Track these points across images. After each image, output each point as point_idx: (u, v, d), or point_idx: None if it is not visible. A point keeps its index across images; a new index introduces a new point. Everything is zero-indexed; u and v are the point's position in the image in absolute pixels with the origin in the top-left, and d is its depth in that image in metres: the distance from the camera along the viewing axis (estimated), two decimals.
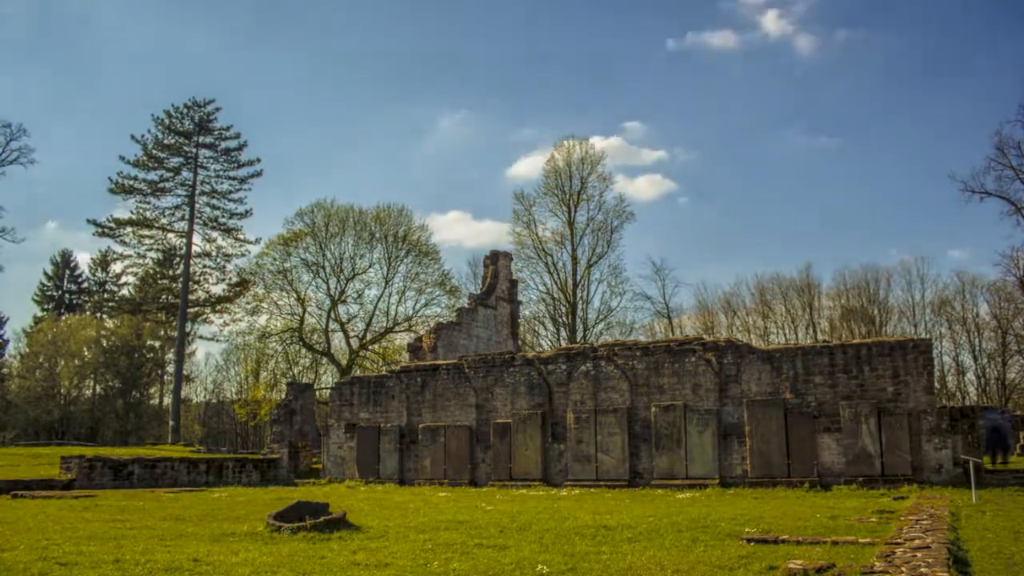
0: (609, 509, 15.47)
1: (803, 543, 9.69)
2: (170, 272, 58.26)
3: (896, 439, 21.82)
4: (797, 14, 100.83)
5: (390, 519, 13.66)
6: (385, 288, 52.71)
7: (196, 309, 55.54)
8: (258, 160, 54.03)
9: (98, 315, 67.22)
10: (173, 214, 52.85)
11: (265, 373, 56.36)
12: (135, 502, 18.09)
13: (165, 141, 52.51)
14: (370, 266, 52.78)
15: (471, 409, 27.67)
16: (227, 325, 54.14)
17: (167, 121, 52.56)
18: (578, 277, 55.12)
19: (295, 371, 55.68)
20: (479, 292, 42.37)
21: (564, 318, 55.84)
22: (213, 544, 10.24)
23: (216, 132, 53.21)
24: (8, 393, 58.02)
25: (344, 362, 51.71)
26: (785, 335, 57.59)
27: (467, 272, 60.75)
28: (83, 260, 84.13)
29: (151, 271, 57.73)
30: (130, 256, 53.84)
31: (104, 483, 24.77)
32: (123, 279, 67.97)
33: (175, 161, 52.71)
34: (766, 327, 59.20)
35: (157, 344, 64.86)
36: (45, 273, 71.40)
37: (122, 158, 52.15)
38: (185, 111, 52.92)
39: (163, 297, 58.16)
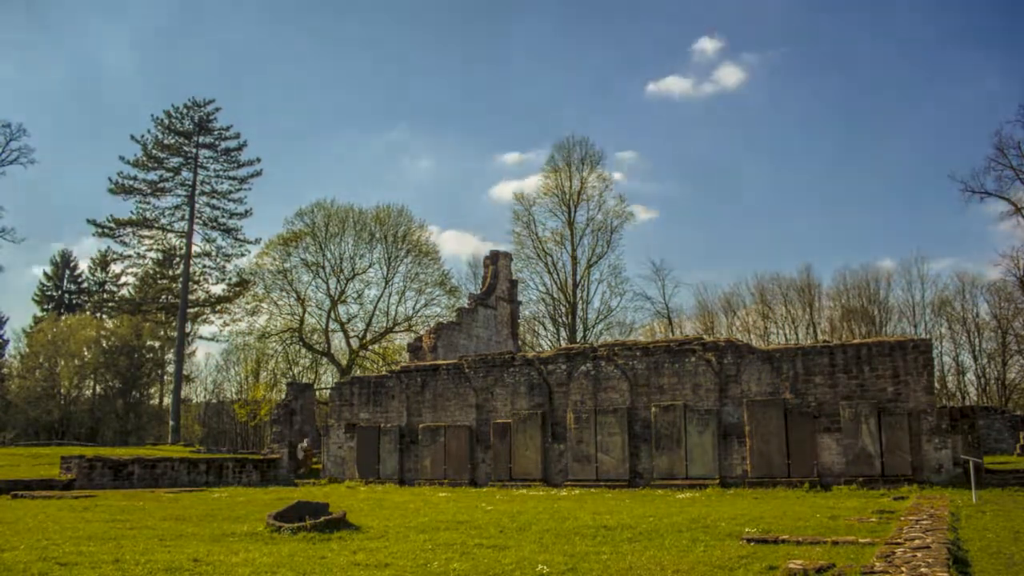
0: (609, 509, 15.47)
1: (803, 543, 9.69)
2: (170, 272, 58.27)
3: (896, 439, 21.82)
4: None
5: (390, 519, 13.66)
6: (385, 288, 52.79)
7: (196, 309, 55.56)
8: (258, 160, 54.11)
9: (98, 315, 67.22)
10: (173, 214, 52.91)
11: (265, 373, 56.43)
12: (135, 502, 18.09)
13: (165, 141, 52.53)
14: (370, 266, 52.87)
15: (471, 409, 27.67)
16: (227, 325, 54.23)
17: (167, 121, 52.58)
18: (578, 277, 55.18)
19: (295, 371, 55.70)
20: (479, 292, 42.38)
21: (564, 318, 55.88)
22: (213, 544, 10.24)
23: (216, 132, 53.23)
24: (8, 393, 58.01)
25: (344, 362, 51.72)
26: (785, 335, 57.62)
27: (467, 272, 60.83)
28: (82, 258, 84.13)
29: (151, 271, 57.74)
30: (130, 256, 53.88)
31: (104, 483, 24.77)
32: (123, 279, 68.06)
33: (175, 161, 52.73)
34: (766, 327, 59.23)
35: (157, 344, 64.84)
36: (45, 273, 71.44)
37: (122, 158, 52.21)
38: (185, 111, 52.95)
39: (163, 297, 58.19)
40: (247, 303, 52.61)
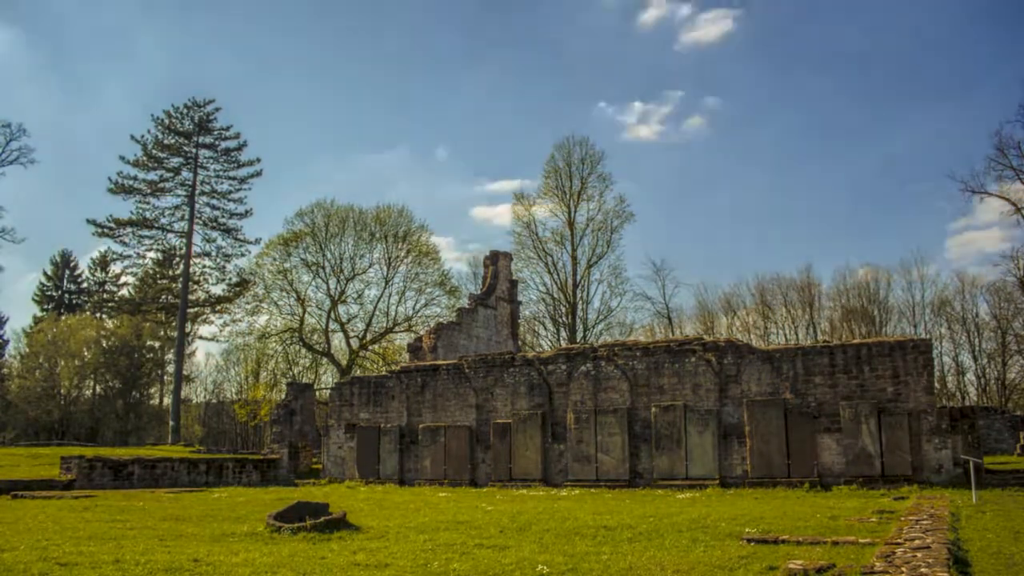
0: (609, 509, 15.47)
1: (803, 543, 9.69)
2: (170, 272, 58.26)
3: (896, 439, 21.82)
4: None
5: (390, 519, 13.66)
6: (385, 288, 52.79)
7: (196, 309, 55.54)
8: (258, 160, 54.08)
9: (98, 315, 67.21)
10: (173, 214, 52.86)
11: (265, 373, 56.41)
12: (135, 502, 18.09)
13: (165, 141, 52.50)
14: (370, 266, 52.87)
15: (471, 409, 27.67)
16: (227, 325, 54.19)
17: (167, 121, 52.55)
18: (578, 277, 55.17)
19: (295, 371, 55.69)
20: (479, 292, 42.38)
21: (564, 318, 55.87)
22: (213, 544, 10.24)
23: (216, 132, 53.20)
24: (8, 393, 58.00)
25: (344, 362, 51.71)
26: (785, 335, 57.62)
27: (467, 272, 60.82)
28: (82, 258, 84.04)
29: (151, 271, 57.73)
30: (130, 256, 53.86)
31: (104, 483, 24.77)
32: (123, 279, 68.05)
33: (175, 161, 52.70)
34: (766, 327, 59.23)
35: (157, 344, 64.82)
36: (45, 273, 71.42)
37: (122, 158, 52.19)
38: (185, 111, 52.92)
39: (163, 297, 58.17)
40: (247, 303, 52.64)
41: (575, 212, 55.08)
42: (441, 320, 44.02)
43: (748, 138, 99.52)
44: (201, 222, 52.94)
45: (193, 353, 68.91)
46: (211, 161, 53.32)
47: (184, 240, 52.52)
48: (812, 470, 22.42)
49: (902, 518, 12.19)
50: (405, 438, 28.46)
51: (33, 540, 10.53)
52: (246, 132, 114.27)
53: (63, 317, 63.86)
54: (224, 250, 53.59)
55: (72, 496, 20.18)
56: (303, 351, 54.45)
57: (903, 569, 6.92)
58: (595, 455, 25.00)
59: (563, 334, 55.31)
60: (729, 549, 9.34)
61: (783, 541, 9.84)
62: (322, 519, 11.54)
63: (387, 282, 52.67)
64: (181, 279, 52.80)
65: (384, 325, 53.03)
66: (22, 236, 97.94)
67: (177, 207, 52.76)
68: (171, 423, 49.69)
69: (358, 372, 48.94)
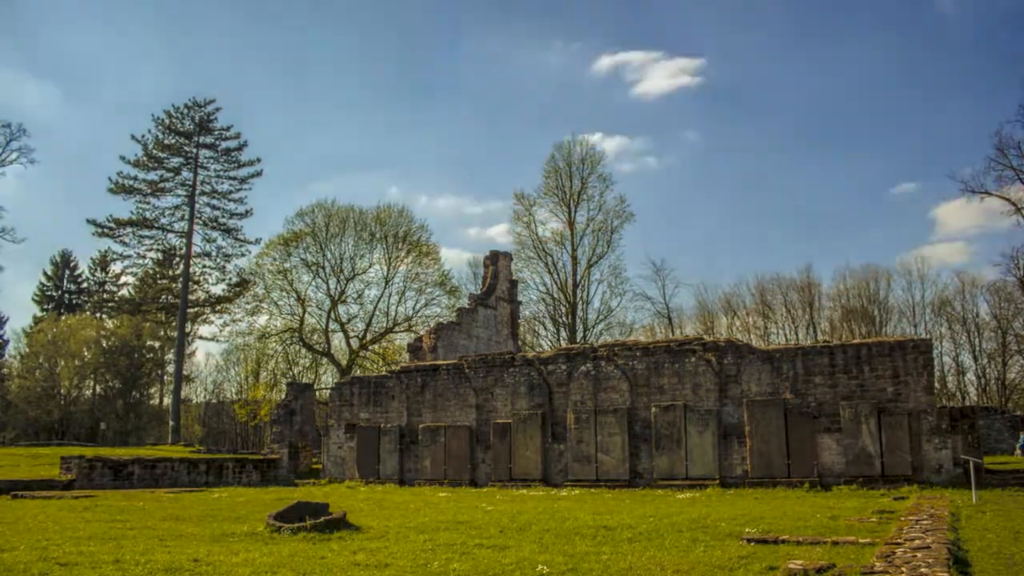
0: (609, 509, 15.47)
1: (803, 543, 9.69)
2: (170, 272, 58.24)
3: (896, 439, 21.82)
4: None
5: (390, 519, 13.66)
6: (385, 288, 52.80)
7: (196, 309, 55.53)
8: (258, 160, 54.09)
9: (98, 315, 67.21)
10: (173, 214, 52.87)
11: (265, 373, 56.42)
12: (135, 502, 18.09)
13: (165, 141, 52.50)
14: (370, 266, 52.88)
15: (471, 409, 27.67)
16: (227, 325, 54.20)
17: (167, 121, 52.56)
18: (578, 277, 55.18)
19: (295, 371, 55.70)
20: (479, 292, 42.37)
21: (564, 318, 55.88)
22: (213, 544, 10.24)
23: (216, 132, 53.20)
24: (8, 393, 58.00)
25: (344, 362, 51.72)
26: (785, 335, 57.63)
27: (467, 272, 60.82)
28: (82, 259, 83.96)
29: (151, 271, 57.71)
30: (130, 256, 53.86)
31: (104, 483, 24.77)
32: (123, 279, 68.03)
33: (175, 161, 52.70)
34: (766, 327, 59.24)
35: (157, 344, 64.82)
36: (45, 273, 71.42)
37: (122, 158, 52.20)
38: (185, 111, 52.92)
39: (163, 297, 58.15)
40: (247, 303, 52.65)
41: (575, 212, 55.14)
42: (441, 320, 44.03)
43: (748, 138, 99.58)
44: (201, 222, 52.96)
45: (193, 353, 68.98)
46: (211, 161, 53.34)
47: (184, 240, 52.53)
48: (812, 470, 22.42)
49: (902, 518, 12.19)
50: (405, 438, 28.46)
51: (33, 540, 10.53)
52: (246, 132, 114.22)
53: (63, 317, 63.86)
54: (224, 250, 53.63)
55: (72, 496, 20.18)
56: (303, 351, 54.48)
57: (903, 569, 6.92)
58: (595, 455, 25.00)
59: (563, 334, 55.32)
60: (729, 549, 9.34)
61: (783, 541, 9.84)
62: (322, 519, 11.54)
63: (387, 282, 52.72)
64: (181, 279, 52.80)
65: (384, 325, 53.05)
66: (22, 236, 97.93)
67: (177, 207, 52.78)
68: (171, 423, 49.70)
69: (358, 372, 48.95)
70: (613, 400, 25.41)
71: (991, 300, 53.81)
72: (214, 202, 53.39)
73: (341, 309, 52.88)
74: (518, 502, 18.13)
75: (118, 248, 53.48)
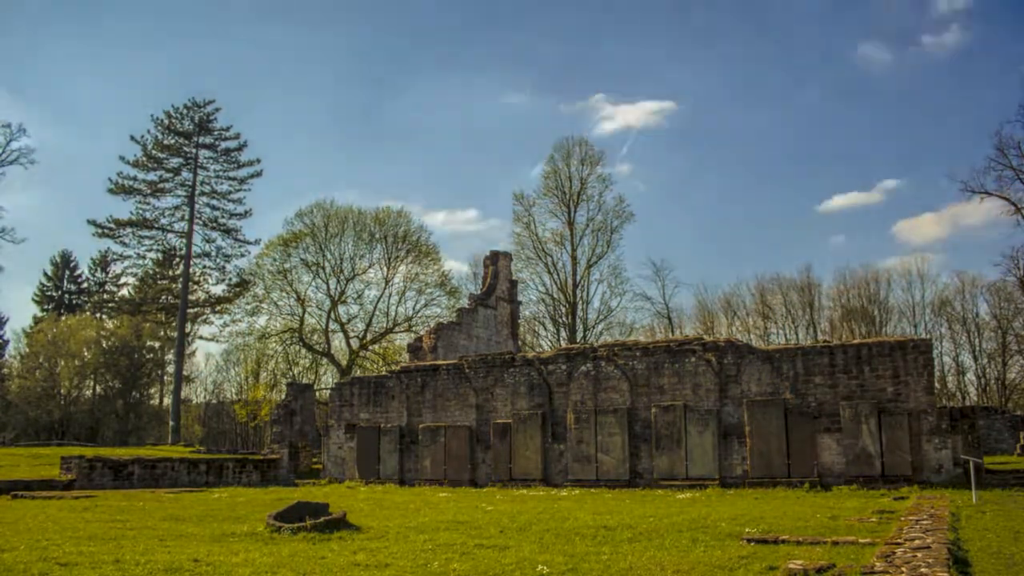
0: (609, 509, 15.47)
1: (803, 543, 9.69)
2: (170, 272, 58.25)
3: (896, 439, 21.82)
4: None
5: (390, 519, 13.66)
6: (385, 288, 52.83)
7: (196, 309, 55.55)
8: (258, 160, 54.09)
9: (98, 315, 67.19)
10: (173, 214, 52.87)
11: (265, 373, 56.46)
12: (135, 502, 18.09)
13: (165, 141, 52.50)
14: (370, 266, 52.91)
15: (471, 409, 27.67)
16: (227, 326, 54.23)
17: (167, 121, 52.56)
18: (578, 277, 55.21)
19: (295, 371, 55.72)
20: (479, 292, 42.38)
21: (564, 318, 55.90)
22: (213, 544, 10.24)
23: (216, 132, 53.20)
24: (8, 393, 57.99)
25: (344, 362, 51.73)
26: (785, 335, 57.64)
27: (467, 272, 60.86)
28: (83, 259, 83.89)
29: (151, 271, 57.72)
30: (130, 256, 53.87)
31: (104, 483, 24.76)
32: (123, 279, 68.06)
33: (175, 161, 52.70)
34: (766, 327, 59.26)
35: (157, 344, 64.82)
36: (45, 273, 71.41)
37: (122, 158, 52.20)
38: (185, 111, 52.92)
39: (163, 297, 58.16)
40: (247, 303, 52.67)
41: (575, 212, 55.17)
42: (441, 320, 44.03)
43: (746, 139, 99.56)
44: (201, 222, 52.97)
45: (193, 353, 68.96)
46: (211, 161, 53.34)
47: (184, 240, 52.54)
48: (812, 470, 22.42)
49: (902, 518, 12.20)
50: (405, 438, 28.46)
51: (33, 540, 10.53)
52: (246, 132, 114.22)
53: (63, 317, 63.84)
54: (224, 250, 53.63)
55: (72, 496, 20.18)
56: (303, 351, 54.51)
57: (903, 569, 6.92)
58: (595, 455, 25.00)
59: (563, 334, 55.34)
60: (729, 549, 9.34)
61: (783, 541, 9.84)
62: (322, 519, 11.53)
63: (387, 282, 52.74)
64: (181, 279, 52.80)
65: (384, 325, 53.08)
66: (22, 236, 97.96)
67: (177, 207, 52.79)
68: (171, 423, 49.70)
69: (358, 372, 48.96)
70: (613, 400, 25.41)
71: (991, 300, 53.86)
72: (214, 202, 53.42)
73: (341, 309, 52.95)
74: (518, 502, 18.13)
75: (118, 248, 53.54)
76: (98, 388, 61.65)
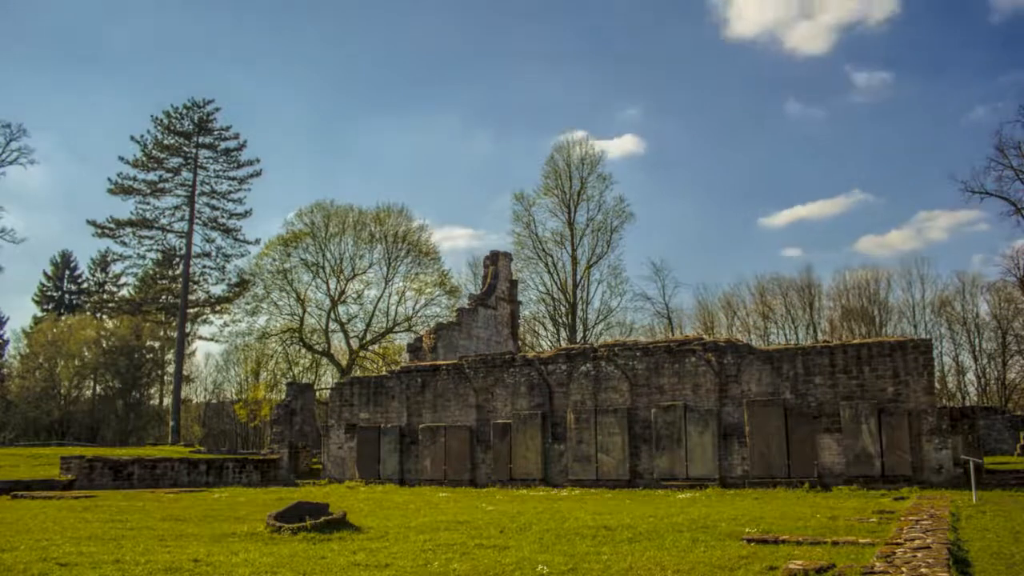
0: (609, 509, 15.47)
1: (803, 543, 9.69)
2: (170, 272, 58.27)
3: (896, 439, 21.81)
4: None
5: (390, 519, 13.66)
6: (385, 288, 52.82)
7: (196, 309, 55.57)
8: (258, 160, 54.17)
9: (98, 315, 67.19)
10: (173, 214, 52.93)
11: (265, 373, 56.41)
12: (135, 503, 18.09)
13: (164, 141, 52.54)
14: (370, 266, 52.91)
15: (471, 409, 27.66)
16: (227, 325, 54.25)
17: (166, 121, 52.59)
18: (578, 277, 55.19)
19: (295, 371, 55.69)
20: (479, 292, 42.35)
21: (564, 318, 55.88)
22: (213, 544, 10.24)
23: (215, 132, 53.24)
24: (8, 393, 58.00)
25: (344, 362, 51.73)
26: (785, 335, 57.65)
27: (467, 273, 60.82)
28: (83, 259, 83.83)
29: (151, 271, 57.75)
30: (130, 256, 53.90)
31: (104, 484, 24.76)
32: (123, 279, 68.09)
33: (175, 161, 52.74)
34: (766, 327, 59.26)
35: (157, 344, 64.85)
36: (45, 273, 71.45)
37: (122, 158, 52.23)
38: (184, 111, 52.95)
39: (163, 297, 58.18)
40: (247, 303, 52.66)
41: (575, 212, 55.16)
42: (441, 320, 44.05)
43: (746, 137, 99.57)
44: (201, 222, 53.02)
45: (193, 353, 68.99)
46: (211, 161, 53.38)
47: (184, 240, 52.58)
48: (812, 470, 22.41)
49: (902, 518, 12.19)
50: (405, 438, 28.44)
51: (33, 540, 10.53)
52: (246, 132, 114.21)
53: (63, 317, 63.89)
54: (224, 250, 53.70)
55: (72, 496, 20.18)
56: (303, 351, 54.49)
57: (903, 569, 6.92)
58: (595, 455, 25.00)
59: (563, 334, 55.32)
60: (729, 549, 9.34)
61: (783, 541, 9.84)
62: (322, 519, 11.53)
63: (387, 282, 52.74)
64: (181, 279, 52.82)
65: (384, 325, 53.07)
66: (22, 236, 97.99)
67: (177, 207, 52.84)
68: (171, 423, 49.74)
69: (358, 372, 48.96)
70: (613, 400, 25.40)
71: (991, 300, 53.87)
72: (214, 202, 53.48)
73: (341, 309, 52.95)
74: (518, 502, 18.13)
75: (118, 248, 53.64)
76: (98, 388, 61.66)
